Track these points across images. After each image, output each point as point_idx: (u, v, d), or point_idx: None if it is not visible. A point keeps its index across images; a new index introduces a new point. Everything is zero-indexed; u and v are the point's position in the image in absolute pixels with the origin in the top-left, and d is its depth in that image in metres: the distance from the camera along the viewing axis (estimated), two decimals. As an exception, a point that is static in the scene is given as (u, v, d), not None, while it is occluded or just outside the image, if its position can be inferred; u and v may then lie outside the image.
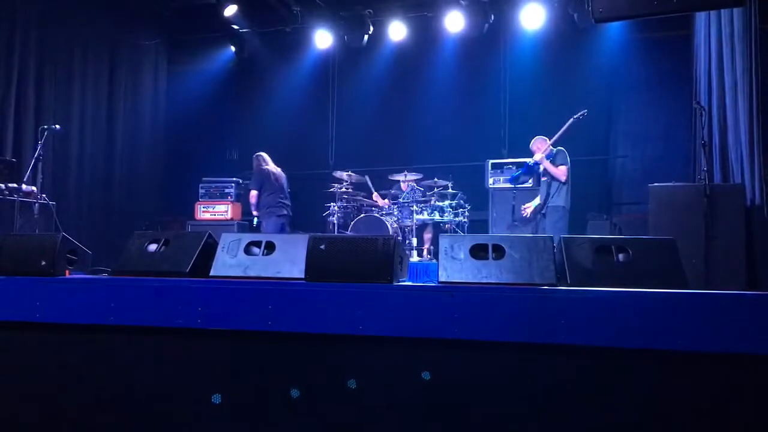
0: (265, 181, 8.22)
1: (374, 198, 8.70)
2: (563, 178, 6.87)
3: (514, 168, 8.00)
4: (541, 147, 7.13)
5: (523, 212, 7.37)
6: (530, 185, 7.71)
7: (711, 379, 2.29)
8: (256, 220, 8.39)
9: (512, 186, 7.72)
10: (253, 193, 8.22)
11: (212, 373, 2.74)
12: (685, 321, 2.28)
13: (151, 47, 10.38)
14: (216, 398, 2.71)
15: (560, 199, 6.88)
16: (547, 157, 6.98)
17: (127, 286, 2.86)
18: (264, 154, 8.47)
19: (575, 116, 6.98)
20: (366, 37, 9.60)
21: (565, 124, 6.94)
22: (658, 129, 9.10)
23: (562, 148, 7.01)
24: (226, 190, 9.28)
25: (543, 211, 7.04)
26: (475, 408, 2.48)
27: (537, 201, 7.18)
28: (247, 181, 9.77)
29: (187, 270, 3.05)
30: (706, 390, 2.29)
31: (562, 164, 6.90)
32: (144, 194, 10.03)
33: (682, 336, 2.27)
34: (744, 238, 5.30)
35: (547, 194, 7.00)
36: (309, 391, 2.62)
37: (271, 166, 8.39)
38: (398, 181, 8.50)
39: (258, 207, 8.23)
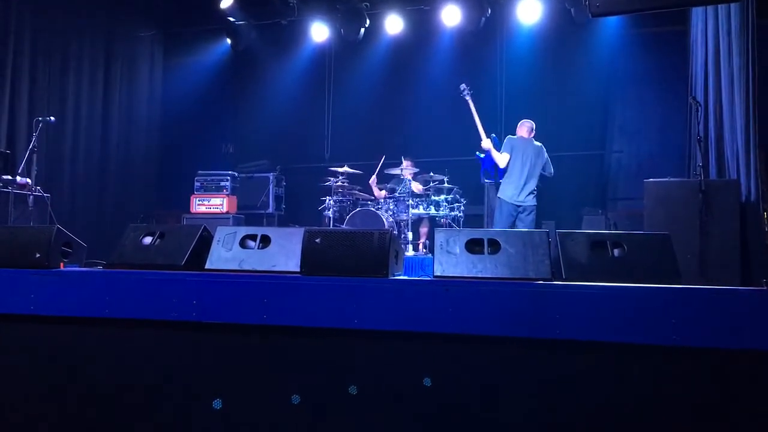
0: None
1: (371, 183, 8.61)
2: (501, 165, 7.04)
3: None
4: (519, 130, 7.27)
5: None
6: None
7: (705, 374, 2.30)
8: None
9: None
10: None
11: (207, 366, 2.74)
12: (680, 316, 2.28)
13: (147, 39, 10.32)
14: (210, 391, 2.71)
15: (500, 189, 7.06)
16: (494, 142, 7.22)
17: (122, 279, 2.86)
18: None
19: (462, 95, 7.48)
20: (362, 30, 9.54)
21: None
22: (654, 124, 9.10)
23: (510, 136, 7.20)
24: (222, 184, 9.25)
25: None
26: (469, 401, 2.49)
27: None
28: (243, 175, 9.77)
29: (182, 263, 3.04)
30: (700, 385, 2.30)
31: (504, 151, 7.08)
32: (139, 187, 10.00)
33: (677, 331, 2.28)
34: (738, 234, 5.31)
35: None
36: (304, 384, 2.63)
37: None
38: (395, 175, 8.48)
39: None
